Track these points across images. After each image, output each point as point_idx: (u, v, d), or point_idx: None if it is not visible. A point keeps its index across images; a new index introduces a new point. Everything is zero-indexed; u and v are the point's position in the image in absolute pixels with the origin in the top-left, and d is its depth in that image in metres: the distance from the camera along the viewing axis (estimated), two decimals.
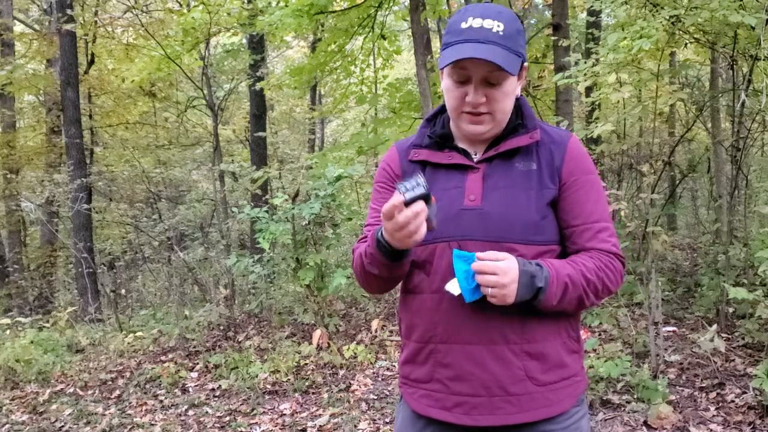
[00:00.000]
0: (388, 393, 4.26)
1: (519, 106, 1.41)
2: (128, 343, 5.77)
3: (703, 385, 3.75)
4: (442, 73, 1.39)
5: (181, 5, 10.93)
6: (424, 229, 1.22)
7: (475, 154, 1.40)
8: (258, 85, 9.00)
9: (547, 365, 1.33)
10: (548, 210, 1.35)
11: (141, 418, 4.16)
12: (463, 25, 1.29)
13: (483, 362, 1.31)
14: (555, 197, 1.35)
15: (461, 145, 1.41)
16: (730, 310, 4.82)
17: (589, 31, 7.04)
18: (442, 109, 1.47)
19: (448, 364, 1.34)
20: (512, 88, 1.34)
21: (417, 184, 1.21)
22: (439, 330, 1.34)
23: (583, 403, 1.42)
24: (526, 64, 1.38)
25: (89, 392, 4.79)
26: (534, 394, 1.32)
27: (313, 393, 4.40)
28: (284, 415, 4.06)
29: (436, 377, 1.36)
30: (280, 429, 3.84)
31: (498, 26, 1.28)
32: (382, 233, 1.28)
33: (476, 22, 1.29)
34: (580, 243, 1.36)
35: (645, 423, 3.33)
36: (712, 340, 3.43)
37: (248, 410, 4.18)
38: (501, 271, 1.23)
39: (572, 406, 1.36)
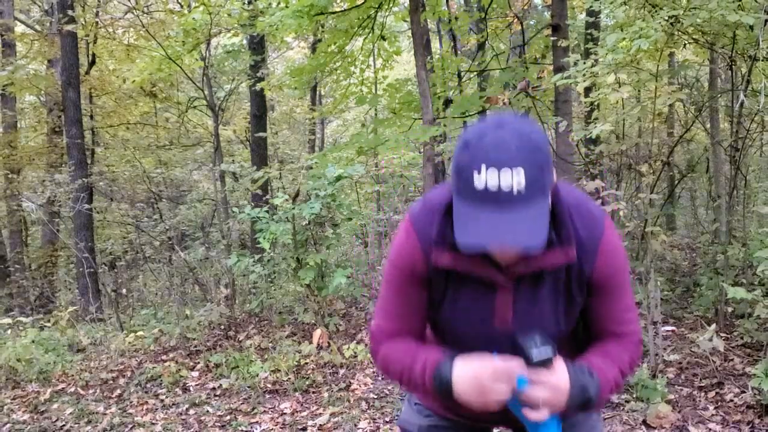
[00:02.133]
0: (388, 392, 4.27)
1: (554, 212, 1.21)
2: (129, 342, 5.79)
3: (702, 384, 3.76)
4: None
5: (181, 6, 10.94)
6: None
7: (506, 266, 1.24)
8: (258, 86, 9.01)
9: None
10: (576, 318, 1.32)
11: (142, 417, 4.18)
12: (477, 182, 1.07)
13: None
14: (584, 301, 1.30)
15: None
16: (729, 309, 4.83)
17: (588, 31, 7.06)
18: None
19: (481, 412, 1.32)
20: (545, 210, 1.13)
21: (544, 343, 1.17)
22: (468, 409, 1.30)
23: None
24: (554, 177, 1.18)
25: (90, 391, 4.80)
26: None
27: (313, 392, 4.42)
28: (285, 414, 4.07)
29: (464, 412, 1.36)
30: (281, 428, 3.86)
31: (518, 179, 1.05)
32: (447, 373, 1.21)
33: (492, 179, 1.05)
34: (609, 327, 1.33)
35: (644, 422, 3.35)
36: (710, 340, 3.45)
37: (249, 409, 4.19)
38: (553, 389, 1.18)
39: None
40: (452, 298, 1.29)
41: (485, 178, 1.05)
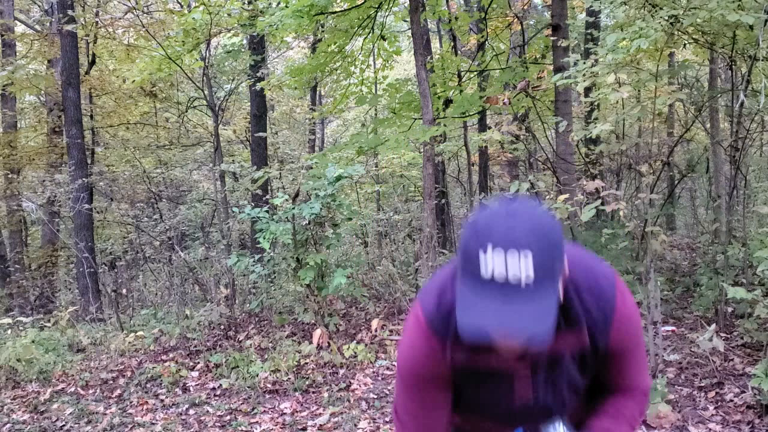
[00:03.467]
0: (388, 392, 4.27)
1: (563, 297, 1.17)
2: (129, 342, 5.79)
3: (702, 384, 3.76)
4: None
5: (181, 6, 10.95)
6: None
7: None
8: (258, 86, 9.02)
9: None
10: (588, 379, 1.32)
11: (142, 417, 4.18)
12: (483, 272, 1.00)
13: None
14: (596, 363, 1.30)
15: None
16: (729, 309, 4.83)
17: (588, 31, 7.07)
18: None
19: None
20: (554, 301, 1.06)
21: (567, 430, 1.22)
22: None
23: None
24: (565, 260, 1.11)
25: (90, 391, 4.80)
26: None
27: (313, 392, 4.42)
28: (285, 414, 4.07)
29: None
30: (281, 428, 3.86)
31: (527, 270, 0.99)
32: None
33: (499, 268, 0.99)
34: (622, 383, 1.34)
35: (644, 422, 3.34)
36: (710, 340, 3.45)
37: (249, 409, 4.19)
38: None
39: None
40: (473, 387, 1.27)
41: (492, 264, 1.00)
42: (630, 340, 1.26)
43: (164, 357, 5.50)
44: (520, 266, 0.98)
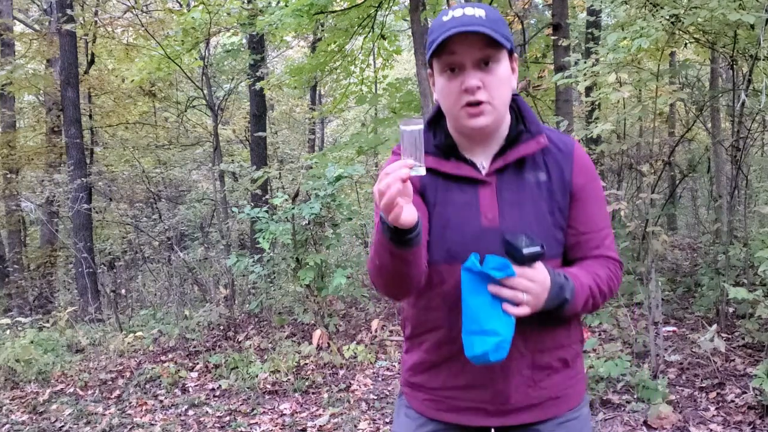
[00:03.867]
0: (388, 393, 4.26)
1: (518, 109, 1.38)
2: (128, 343, 5.77)
3: (703, 385, 3.75)
4: (432, 77, 1.36)
5: (181, 5, 10.93)
6: (405, 204, 1.12)
7: (483, 166, 1.35)
8: (258, 85, 9.00)
9: (556, 373, 1.38)
10: (559, 223, 1.35)
11: (141, 417, 4.16)
12: (444, 18, 1.27)
13: (494, 372, 1.33)
14: (566, 209, 1.35)
15: (465, 154, 1.36)
16: (730, 309, 4.82)
17: (589, 30, 7.05)
18: (440, 113, 1.41)
19: (463, 373, 1.35)
20: (507, 74, 1.30)
21: (533, 241, 1.21)
22: (456, 347, 1.32)
23: (586, 399, 1.48)
24: (515, 55, 1.35)
25: (89, 392, 4.79)
26: (546, 399, 1.37)
27: (313, 393, 4.40)
28: (284, 415, 4.06)
29: (448, 385, 1.38)
30: (280, 429, 3.84)
31: (480, 12, 1.26)
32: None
33: (457, 12, 1.27)
34: (586, 251, 1.37)
35: (645, 423, 3.33)
36: (712, 340, 3.43)
37: (248, 410, 4.18)
38: (539, 282, 1.22)
39: (577, 404, 1.42)
40: (442, 203, 1.35)
41: (451, 14, 1.27)
42: (591, 189, 1.36)
43: (163, 358, 5.49)
44: (475, 11, 1.26)
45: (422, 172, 1.15)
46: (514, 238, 1.22)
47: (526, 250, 1.18)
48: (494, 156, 1.35)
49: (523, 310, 1.22)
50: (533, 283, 1.21)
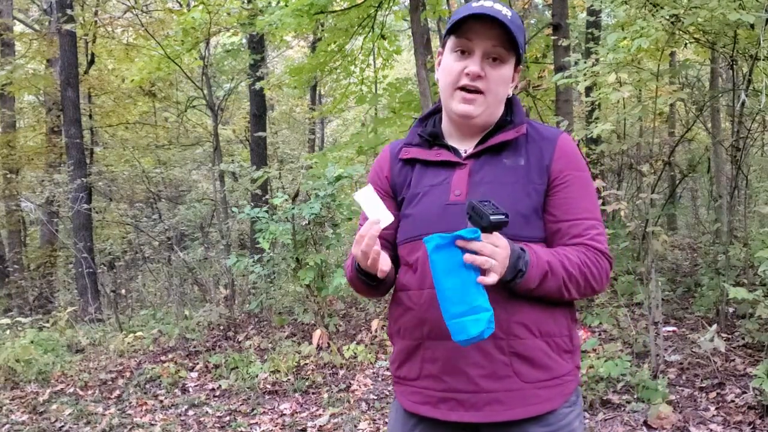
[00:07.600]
0: (388, 393, 4.26)
1: (510, 104, 1.43)
2: (128, 343, 5.77)
3: (703, 385, 3.75)
4: (440, 55, 1.41)
5: (181, 5, 10.92)
6: (381, 255, 1.26)
7: (465, 152, 1.41)
8: (258, 85, 9.00)
9: (533, 363, 1.31)
10: (534, 205, 1.34)
11: (141, 418, 4.16)
12: (474, 4, 1.32)
13: (468, 356, 1.30)
14: (543, 193, 1.34)
15: (450, 142, 1.43)
16: (730, 310, 4.81)
17: (589, 30, 7.04)
18: (436, 110, 1.49)
19: (435, 360, 1.34)
20: (508, 77, 1.36)
21: (498, 209, 1.20)
22: (426, 327, 1.34)
23: (576, 403, 1.39)
24: (521, 66, 1.41)
25: (89, 392, 4.79)
26: (520, 391, 1.30)
27: (313, 393, 4.40)
28: (284, 415, 4.06)
29: (424, 373, 1.37)
30: (280, 429, 3.84)
31: (508, 12, 1.32)
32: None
33: (487, 3, 1.32)
34: (567, 239, 1.34)
35: (645, 423, 3.33)
36: (712, 340, 3.43)
37: (248, 410, 4.18)
38: (502, 248, 1.21)
39: (562, 405, 1.34)
40: (415, 185, 1.41)
41: (482, 2, 1.32)
42: (573, 177, 1.36)
43: (163, 358, 5.49)
44: (503, 9, 1.32)
45: (390, 219, 1.27)
46: (480, 205, 1.21)
47: (493, 217, 1.17)
48: (477, 144, 1.41)
49: (492, 278, 1.20)
50: (498, 248, 1.20)
